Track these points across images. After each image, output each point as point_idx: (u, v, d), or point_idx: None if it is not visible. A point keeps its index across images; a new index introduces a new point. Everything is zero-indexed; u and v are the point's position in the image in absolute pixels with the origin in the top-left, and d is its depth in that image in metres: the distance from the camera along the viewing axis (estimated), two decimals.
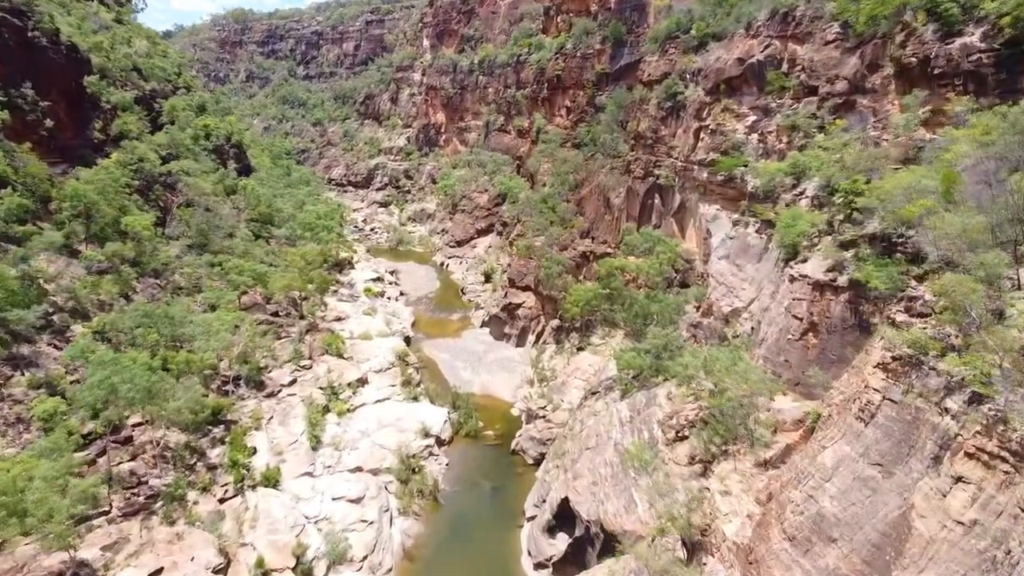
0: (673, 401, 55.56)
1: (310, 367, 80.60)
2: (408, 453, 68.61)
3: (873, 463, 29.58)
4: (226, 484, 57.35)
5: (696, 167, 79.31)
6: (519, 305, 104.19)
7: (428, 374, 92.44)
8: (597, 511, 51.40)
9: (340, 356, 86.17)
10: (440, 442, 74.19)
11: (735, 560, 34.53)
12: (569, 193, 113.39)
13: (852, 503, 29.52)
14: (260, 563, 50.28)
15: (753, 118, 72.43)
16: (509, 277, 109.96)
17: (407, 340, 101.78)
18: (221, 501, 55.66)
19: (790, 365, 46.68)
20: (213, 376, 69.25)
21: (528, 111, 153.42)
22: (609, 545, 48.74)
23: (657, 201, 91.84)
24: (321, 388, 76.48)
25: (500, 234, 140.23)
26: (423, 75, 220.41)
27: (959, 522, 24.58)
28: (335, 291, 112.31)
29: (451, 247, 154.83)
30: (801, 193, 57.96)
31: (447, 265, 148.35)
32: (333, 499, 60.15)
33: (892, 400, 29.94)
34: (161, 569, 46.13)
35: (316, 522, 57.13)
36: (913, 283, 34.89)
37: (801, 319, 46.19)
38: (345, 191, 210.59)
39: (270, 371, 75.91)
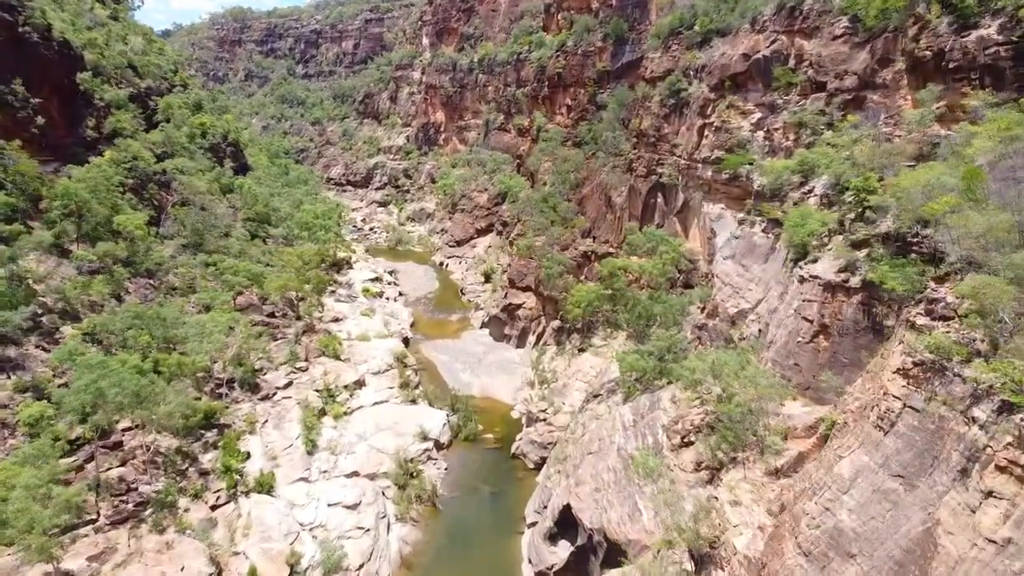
0: (678, 405, 54.04)
1: (306, 369, 79.06)
2: (406, 457, 67.13)
3: (894, 474, 28.01)
4: (218, 490, 55.82)
5: (700, 165, 77.72)
6: (519, 306, 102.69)
7: (427, 376, 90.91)
8: (600, 519, 49.88)
9: (337, 358, 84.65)
10: (439, 446, 72.68)
11: (746, 575, 32.98)
12: (570, 192, 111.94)
13: (872, 517, 27.96)
14: (252, 572, 48.78)
15: (759, 115, 70.83)
16: (509, 277, 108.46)
17: (406, 341, 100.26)
18: (213, 508, 54.11)
19: (800, 369, 45.08)
20: (206, 379, 67.67)
21: (528, 109, 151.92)
22: (613, 554, 47.23)
23: (660, 200, 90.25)
24: (317, 391, 74.97)
25: (500, 234, 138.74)
26: (422, 74, 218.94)
27: (991, 540, 23.00)
28: (333, 291, 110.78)
29: (450, 247, 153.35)
30: (809, 191, 56.36)
31: (446, 265, 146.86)
32: (329, 505, 58.65)
33: (914, 408, 28.37)
34: None
35: (311, 529, 55.64)
36: (932, 284, 33.26)
37: (811, 321, 44.60)
38: (344, 190, 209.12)
39: (265, 373, 74.36)
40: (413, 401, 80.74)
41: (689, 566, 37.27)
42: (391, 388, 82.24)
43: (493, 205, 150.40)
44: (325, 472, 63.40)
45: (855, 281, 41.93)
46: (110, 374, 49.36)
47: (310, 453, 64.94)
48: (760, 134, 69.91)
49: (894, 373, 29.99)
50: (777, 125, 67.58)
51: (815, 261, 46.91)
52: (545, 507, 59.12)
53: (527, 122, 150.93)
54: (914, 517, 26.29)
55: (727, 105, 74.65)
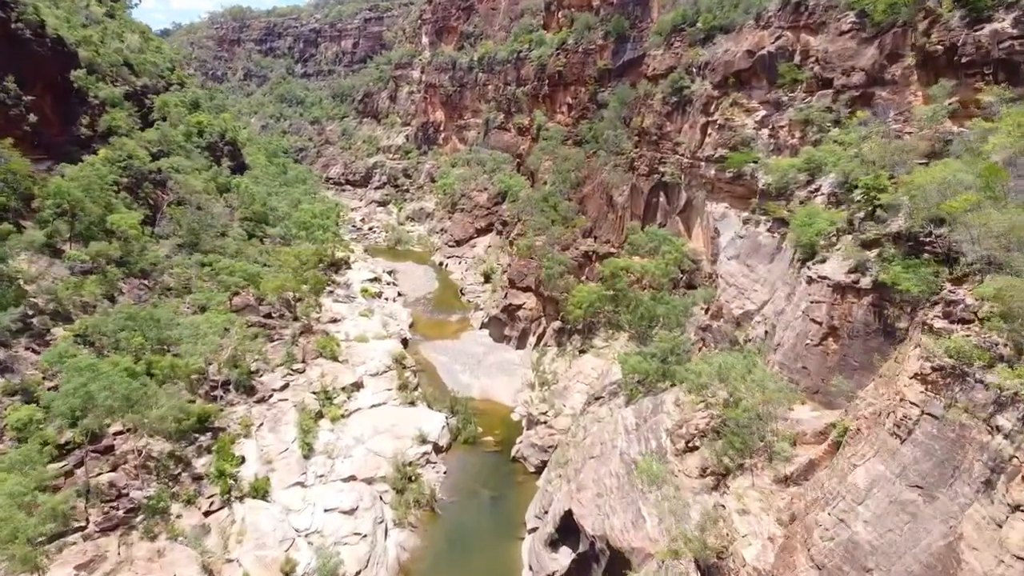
0: (682, 408, 52.76)
1: (303, 371, 77.76)
2: (404, 461, 65.88)
3: (912, 485, 26.78)
4: (212, 496, 54.48)
5: (703, 164, 76.46)
6: (519, 306, 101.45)
7: (426, 377, 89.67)
8: (603, 525, 48.62)
9: (335, 359, 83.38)
10: (438, 449, 71.41)
11: None
12: (571, 191, 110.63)
13: (889, 529, 26.73)
14: None
15: (763, 112, 69.56)
16: (509, 277, 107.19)
17: (404, 342, 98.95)
18: (206, 514, 52.81)
19: (808, 372, 43.88)
20: (201, 381, 66.43)
21: (528, 108, 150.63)
22: (616, 563, 46.00)
23: (662, 199, 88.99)
24: (314, 393, 73.66)
25: (500, 233, 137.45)
26: (422, 73, 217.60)
27: (1019, 557, 21.77)
28: (331, 292, 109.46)
29: (450, 247, 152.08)
30: (816, 190, 55.10)
31: (446, 265, 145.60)
32: (325, 511, 57.37)
33: (932, 415, 27.14)
34: None
35: (307, 536, 54.36)
36: (949, 286, 32.01)
37: (820, 323, 43.39)
38: (343, 190, 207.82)
39: (261, 375, 73.02)
40: (412, 403, 79.47)
41: None
42: (389, 390, 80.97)
43: (493, 205, 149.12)
44: (321, 476, 62.12)
45: (866, 282, 40.74)
46: (100, 377, 48.07)
47: (306, 457, 63.65)
48: (765, 132, 68.65)
49: (911, 378, 28.75)
50: (782, 123, 66.34)
51: (823, 261, 45.69)
52: (546, 512, 57.89)
53: (527, 121, 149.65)
54: (935, 530, 25.05)
55: (731, 102, 73.40)
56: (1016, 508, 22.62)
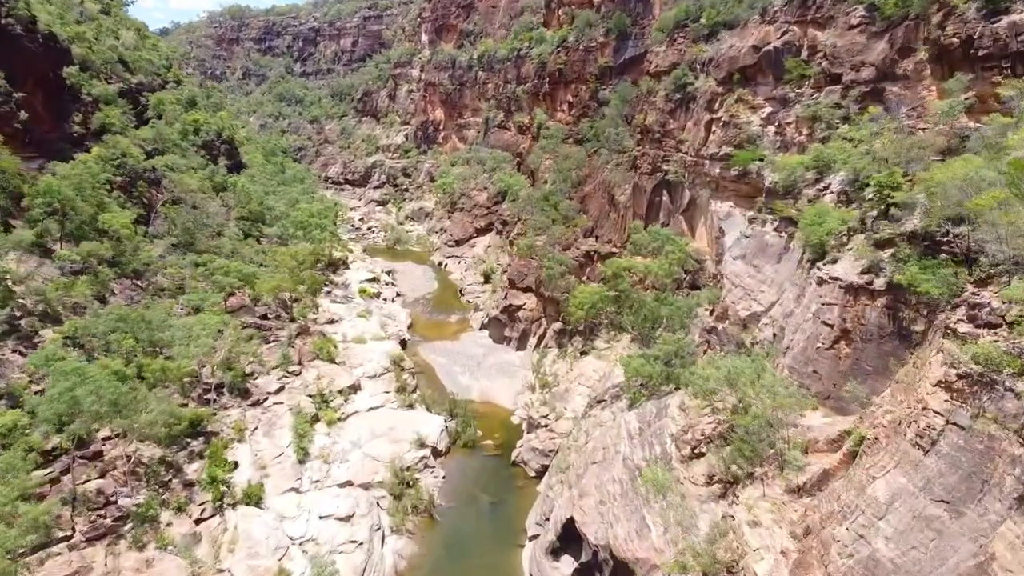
0: (687, 413, 51.26)
1: (299, 373, 76.20)
2: (402, 465, 64.27)
3: (937, 499, 25.26)
4: (203, 503, 52.83)
5: (707, 162, 74.94)
6: (520, 307, 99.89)
7: (424, 379, 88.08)
8: (606, 534, 47.04)
9: (332, 361, 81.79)
10: (436, 453, 69.82)
11: None
12: (572, 190, 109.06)
13: (912, 547, 25.21)
14: None
15: (769, 109, 68.07)
16: (509, 278, 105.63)
17: (403, 343, 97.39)
18: (197, 522, 51.18)
19: (820, 377, 42.38)
20: (194, 384, 64.82)
21: (529, 107, 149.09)
22: (620, 573, 44.45)
23: (665, 198, 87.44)
24: (310, 396, 72.08)
25: (500, 233, 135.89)
26: (421, 71, 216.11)
27: None
28: (328, 292, 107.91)
29: (450, 246, 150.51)
30: (825, 188, 53.64)
31: (445, 265, 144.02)
32: (320, 517, 55.78)
33: (958, 425, 25.63)
34: None
35: (301, 544, 52.77)
36: (971, 288, 30.48)
37: (832, 326, 41.91)
38: (342, 189, 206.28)
39: (256, 378, 71.46)
40: (410, 406, 77.88)
41: None
42: (387, 392, 79.40)
43: (493, 204, 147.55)
44: (317, 482, 60.54)
45: (880, 283, 39.28)
46: (86, 381, 46.46)
47: (301, 462, 62.08)
48: (771, 129, 67.16)
49: (934, 386, 27.23)
50: (789, 119, 64.87)
51: (834, 262, 44.24)
52: (547, 519, 56.32)
53: (527, 119, 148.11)
54: (962, 549, 23.53)
55: (736, 99, 71.89)
56: None
